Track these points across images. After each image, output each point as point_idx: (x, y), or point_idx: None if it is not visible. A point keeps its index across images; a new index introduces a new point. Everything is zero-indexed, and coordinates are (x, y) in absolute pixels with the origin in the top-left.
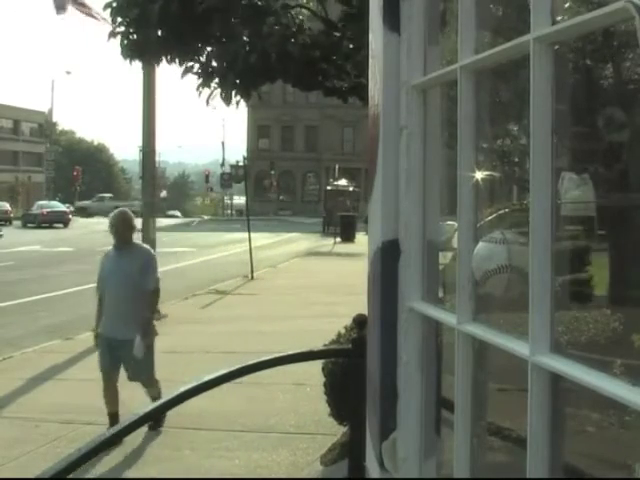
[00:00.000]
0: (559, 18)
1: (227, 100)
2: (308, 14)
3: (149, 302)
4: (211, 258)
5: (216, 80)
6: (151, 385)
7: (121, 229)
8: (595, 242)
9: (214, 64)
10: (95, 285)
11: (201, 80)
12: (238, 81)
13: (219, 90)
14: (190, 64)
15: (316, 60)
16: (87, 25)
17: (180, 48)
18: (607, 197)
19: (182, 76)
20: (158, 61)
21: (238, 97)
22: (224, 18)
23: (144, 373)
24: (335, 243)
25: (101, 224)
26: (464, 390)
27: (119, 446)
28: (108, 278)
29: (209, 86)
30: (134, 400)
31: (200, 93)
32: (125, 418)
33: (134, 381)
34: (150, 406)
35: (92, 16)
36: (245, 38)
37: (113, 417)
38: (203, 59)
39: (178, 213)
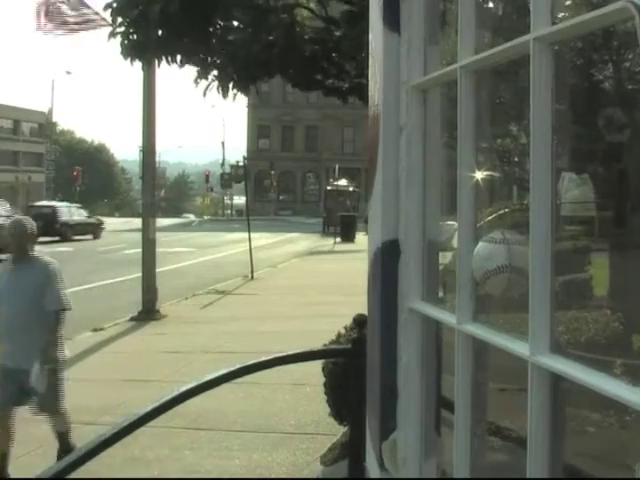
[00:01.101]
0: (559, 18)
1: (224, 93)
2: (308, 14)
3: (51, 323)
4: (211, 258)
5: (214, 72)
6: (57, 418)
7: (19, 239)
8: (595, 242)
9: (214, 57)
10: None
11: (199, 71)
12: (236, 75)
13: (216, 83)
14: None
15: (317, 56)
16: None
17: (180, 49)
18: (607, 197)
19: (180, 66)
20: (158, 61)
21: (235, 90)
22: (226, 10)
23: (51, 404)
24: (335, 243)
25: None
26: (464, 390)
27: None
28: (3, 295)
29: (207, 78)
30: (134, 400)
31: (197, 84)
32: (125, 418)
33: (41, 414)
34: (150, 406)
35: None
36: (249, 29)
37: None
38: (202, 55)
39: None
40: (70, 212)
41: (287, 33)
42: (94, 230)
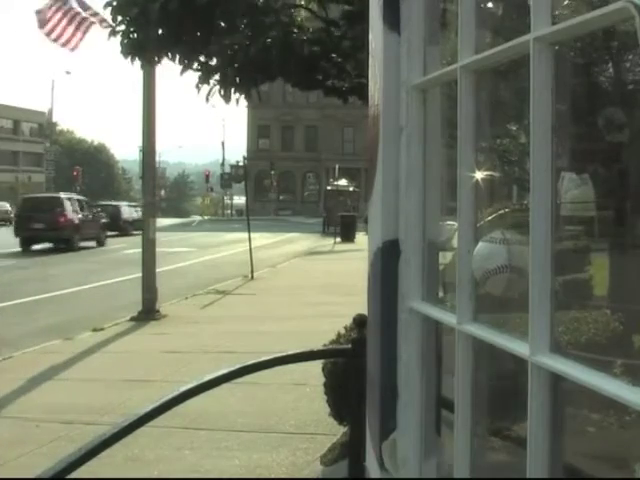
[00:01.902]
0: (559, 18)
1: (226, 97)
2: (308, 15)
3: None
4: (211, 258)
5: (216, 77)
6: None
7: None
8: (595, 242)
9: (214, 61)
10: None
11: (200, 77)
12: (238, 79)
13: (218, 87)
14: (190, 61)
15: (317, 57)
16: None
17: (180, 46)
18: (607, 197)
19: (181, 73)
20: (159, 60)
21: (237, 94)
22: (225, 10)
23: None
24: (335, 243)
25: None
26: (464, 390)
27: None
28: None
29: (208, 83)
30: (134, 400)
31: (199, 90)
32: (125, 418)
33: None
34: (150, 406)
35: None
36: (247, 31)
37: None
38: (203, 57)
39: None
40: (130, 210)
41: (284, 35)
42: None
